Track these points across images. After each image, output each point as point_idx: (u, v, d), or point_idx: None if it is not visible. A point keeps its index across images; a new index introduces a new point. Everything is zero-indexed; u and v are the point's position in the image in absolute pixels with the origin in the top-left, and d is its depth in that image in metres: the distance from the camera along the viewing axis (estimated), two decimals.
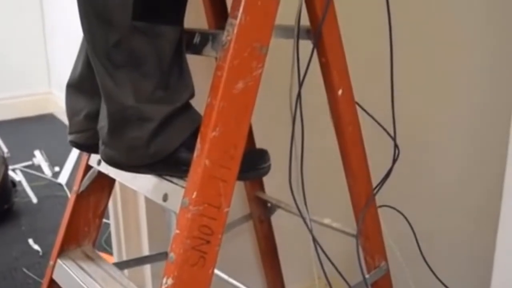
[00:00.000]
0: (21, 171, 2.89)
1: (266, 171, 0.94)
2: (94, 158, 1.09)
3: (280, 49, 0.96)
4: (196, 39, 0.92)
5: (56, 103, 3.79)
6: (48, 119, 3.90)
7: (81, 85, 1.01)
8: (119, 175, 1.00)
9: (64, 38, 3.46)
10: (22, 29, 3.81)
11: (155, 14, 0.82)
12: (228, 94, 0.83)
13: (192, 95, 0.88)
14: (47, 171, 2.89)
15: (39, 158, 3.04)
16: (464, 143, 1.46)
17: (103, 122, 0.88)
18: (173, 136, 0.85)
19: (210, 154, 0.82)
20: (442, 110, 1.49)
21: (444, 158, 1.52)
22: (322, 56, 0.98)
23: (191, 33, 0.92)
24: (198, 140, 0.83)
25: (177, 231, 0.83)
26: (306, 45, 0.98)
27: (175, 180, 0.89)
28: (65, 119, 1.05)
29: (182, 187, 0.86)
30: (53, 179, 2.80)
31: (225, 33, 0.83)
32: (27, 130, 3.64)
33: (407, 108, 1.18)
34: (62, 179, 2.78)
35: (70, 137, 1.04)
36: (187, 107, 0.87)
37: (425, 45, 1.46)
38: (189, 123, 0.87)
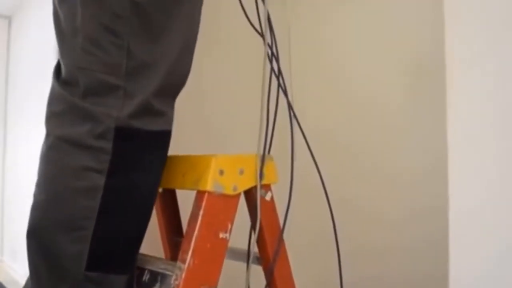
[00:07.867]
0: None
1: None
2: None
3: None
4: (146, 277, 0.92)
5: (6, 272, 3.61)
6: None
7: None
8: None
9: (20, 209, 3.42)
10: None
11: (108, 265, 0.82)
12: None
13: None
14: None
15: None
16: None
17: None
18: None
19: None
20: None
21: None
22: None
23: (142, 269, 0.93)
24: None
25: None
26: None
27: None
28: None
29: None
30: None
31: (174, 276, 0.85)
32: None
33: None
34: None
35: None
36: None
37: None
38: None
